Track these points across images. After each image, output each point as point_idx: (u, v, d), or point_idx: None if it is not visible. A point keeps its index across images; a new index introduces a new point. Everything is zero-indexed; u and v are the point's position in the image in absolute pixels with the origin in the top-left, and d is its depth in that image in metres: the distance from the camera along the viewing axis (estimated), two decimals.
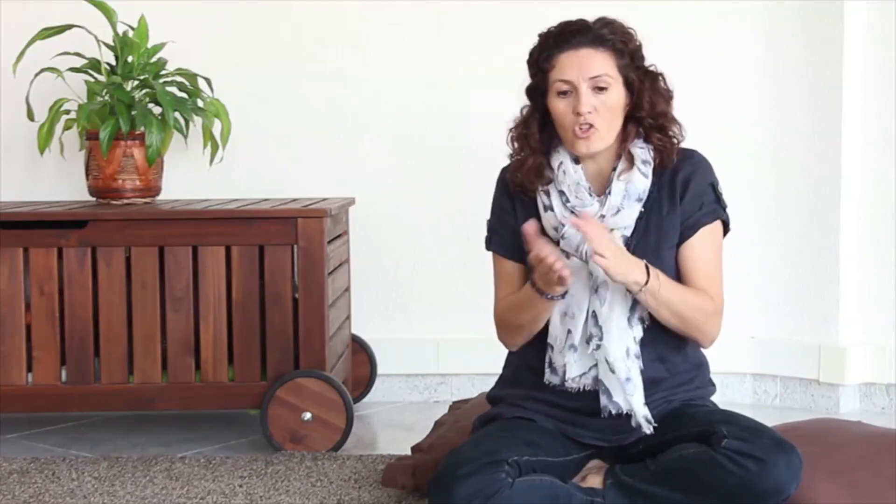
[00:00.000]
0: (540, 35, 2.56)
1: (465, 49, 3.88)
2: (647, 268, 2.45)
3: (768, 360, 3.87)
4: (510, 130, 2.62)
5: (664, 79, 2.57)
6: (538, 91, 2.55)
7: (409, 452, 3.06)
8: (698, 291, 2.54)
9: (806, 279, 3.82)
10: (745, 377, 3.91)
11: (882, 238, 3.76)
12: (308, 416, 3.28)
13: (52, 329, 3.32)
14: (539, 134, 2.56)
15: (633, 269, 2.44)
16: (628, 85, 2.52)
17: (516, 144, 2.60)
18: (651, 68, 2.56)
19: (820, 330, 3.80)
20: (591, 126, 2.48)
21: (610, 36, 2.49)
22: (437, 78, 3.89)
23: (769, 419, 2.80)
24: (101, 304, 3.32)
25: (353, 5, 3.89)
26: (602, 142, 2.51)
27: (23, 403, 3.34)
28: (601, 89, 2.48)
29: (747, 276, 3.85)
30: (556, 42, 2.50)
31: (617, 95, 2.50)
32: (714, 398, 2.69)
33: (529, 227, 2.43)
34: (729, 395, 3.86)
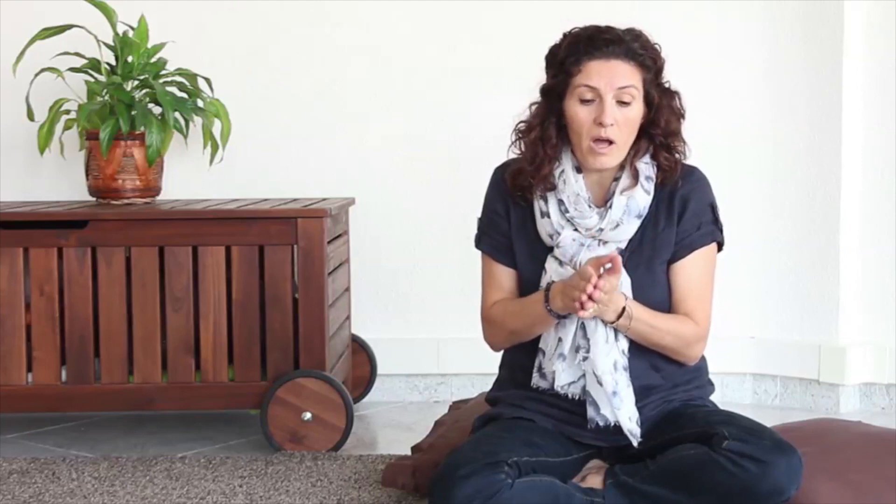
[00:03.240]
0: (566, 35, 2.52)
1: (466, 49, 3.88)
2: (623, 309, 2.46)
3: (768, 360, 3.87)
4: (519, 130, 2.57)
5: (679, 98, 2.55)
6: (555, 92, 2.52)
7: (409, 452, 3.06)
8: (681, 318, 2.54)
9: (806, 279, 3.82)
10: (745, 377, 3.91)
11: (882, 238, 3.76)
12: (308, 416, 3.28)
13: (52, 329, 3.32)
14: (555, 139, 2.53)
15: (607, 313, 2.45)
16: (648, 101, 2.50)
17: (527, 147, 2.55)
18: (667, 86, 2.55)
19: (820, 330, 3.80)
20: (610, 142, 2.47)
21: (641, 51, 2.48)
22: (438, 78, 3.89)
23: (769, 419, 2.80)
24: (101, 304, 3.32)
25: (353, 6, 3.89)
26: (617, 158, 2.50)
27: (23, 403, 3.34)
28: (625, 103, 2.46)
29: (747, 276, 3.85)
30: (587, 47, 2.46)
31: (637, 110, 2.49)
32: (714, 398, 2.69)
33: (615, 259, 2.37)
34: (729, 395, 3.86)
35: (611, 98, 2.46)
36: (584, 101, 2.47)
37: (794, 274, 3.84)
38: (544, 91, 2.55)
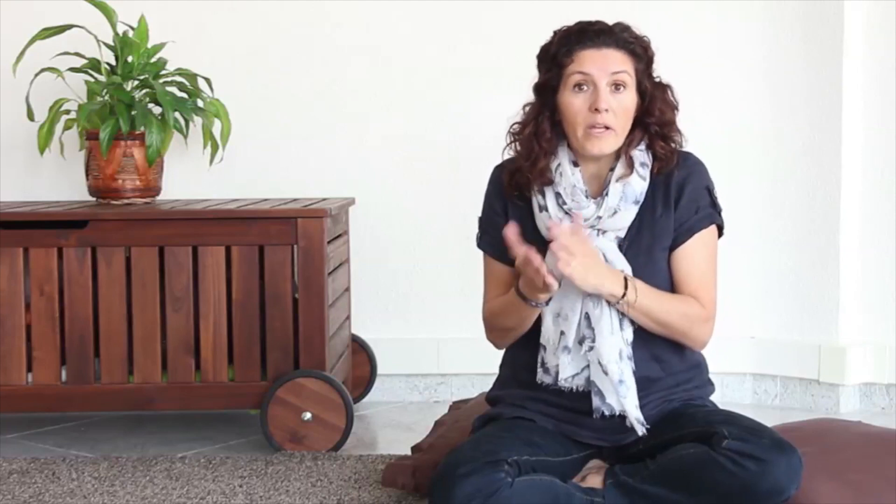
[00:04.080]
0: (556, 31, 2.54)
1: (466, 49, 3.88)
2: (625, 280, 2.46)
3: (768, 360, 3.87)
4: (514, 129, 2.59)
5: (672, 90, 2.57)
6: (549, 88, 2.53)
7: (409, 452, 3.06)
8: (686, 298, 2.54)
9: (806, 279, 3.82)
10: (745, 377, 3.91)
11: (882, 238, 3.76)
12: (308, 416, 3.28)
13: (52, 329, 3.32)
14: (549, 133, 2.54)
15: (606, 282, 2.44)
16: (640, 91, 2.52)
17: (522, 144, 2.56)
18: (658, 79, 2.56)
19: (820, 330, 3.80)
20: (607, 128, 2.48)
21: (631, 40, 2.50)
22: (438, 78, 3.89)
23: (769, 419, 2.80)
24: (101, 304, 3.32)
25: (353, 6, 3.89)
26: (613, 144, 2.50)
27: (23, 403, 3.34)
28: (618, 88, 2.48)
29: (747, 276, 3.85)
30: (578, 38, 2.49)
31: (631, 98, 2.50)
32: (714, 398, 2.69)
33: (510, 231, 2.41)
34: (729, 395, 3.86)
35: (604, 84, 2.47)
36: (577, 89, 2.48)
37: (794, 274, 3.84)
38: (537, 88, 2.56)
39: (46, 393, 3.33)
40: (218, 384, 3.33)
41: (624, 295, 2.45)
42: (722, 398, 3.68)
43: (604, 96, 2.46)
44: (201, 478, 3.05)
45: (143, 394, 3.32)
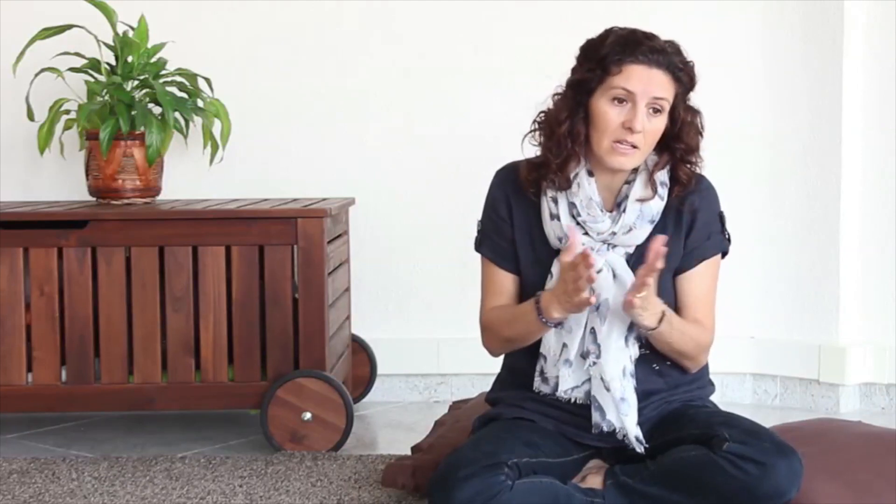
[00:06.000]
0: (609, 32, 2.49)
1: (466, 49, 3.88)
2: (662, 314, 2.45)
3: (768, 360, 3.87)
4: (542, 118, 2.54)
5: (701, 116, 2.55)
6: (586, 87, 2.48)
7: (409, 452, 3.06)
8: (699, 327, 2.54)
9: (806, 279, 3.82)
10: (745, 377, 3.92)
11: (882, 238, 3.76)
12: (308, 416, 3.28)
13: (52, 329, 3.32)
14: (583, 137, 2.49)
15: (646, 318, 2.43)
16: (673, 116, 2.50)
17: (554, 140, 2.50)
18: (690, 103, 2.54)
19: (820, 330, 3.80)
20: (634, 146, 2.46)
21: (681, 66, 2.48)
22: (438, 78, 3.89)
23: (769, 419, 2.80)
24: (101, 304, 3.32)
25: (353, 6, 3.89)
26: (635, 163, 2.49)
27: (23, 403, 3.34)
28: (654, 113, 2.46)
29: (747, 276, 3.85)
30: (632, 50, 2.44)
31: (663, 122, 2.48)
32: (714, 398, 2.69)
33: (573, 232, 2.40)
34: (729, 395, 3.86)
35: (643, 105, 2.44)
36: (616, 103, 2.45)
37: (794, 274, 3.84)
38: (574, 84, 2.51)
39: (46, 393, 3.33)
40: (218, 384, 3.33)
41: (656, 328, 2.45)
42: (722, 398, 3.68)
43: (640, 117, 2.44)
44: (201, 478, 3.05)
45: (143, 394, 3.32)
